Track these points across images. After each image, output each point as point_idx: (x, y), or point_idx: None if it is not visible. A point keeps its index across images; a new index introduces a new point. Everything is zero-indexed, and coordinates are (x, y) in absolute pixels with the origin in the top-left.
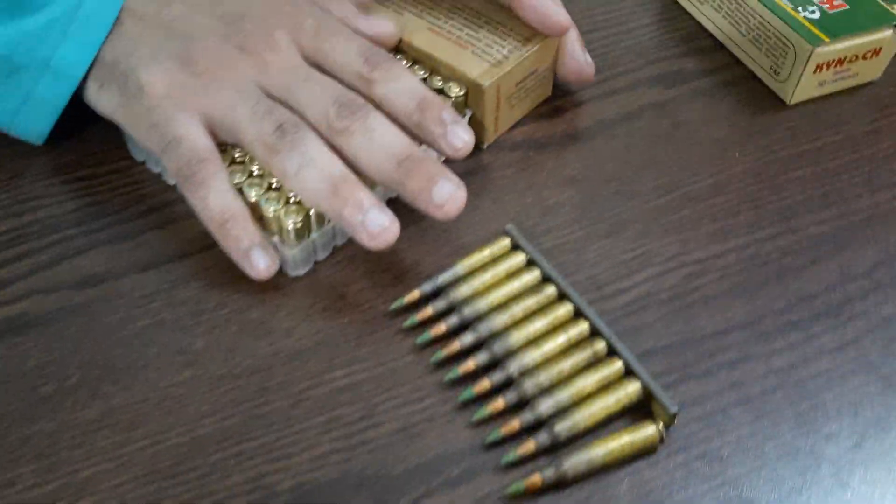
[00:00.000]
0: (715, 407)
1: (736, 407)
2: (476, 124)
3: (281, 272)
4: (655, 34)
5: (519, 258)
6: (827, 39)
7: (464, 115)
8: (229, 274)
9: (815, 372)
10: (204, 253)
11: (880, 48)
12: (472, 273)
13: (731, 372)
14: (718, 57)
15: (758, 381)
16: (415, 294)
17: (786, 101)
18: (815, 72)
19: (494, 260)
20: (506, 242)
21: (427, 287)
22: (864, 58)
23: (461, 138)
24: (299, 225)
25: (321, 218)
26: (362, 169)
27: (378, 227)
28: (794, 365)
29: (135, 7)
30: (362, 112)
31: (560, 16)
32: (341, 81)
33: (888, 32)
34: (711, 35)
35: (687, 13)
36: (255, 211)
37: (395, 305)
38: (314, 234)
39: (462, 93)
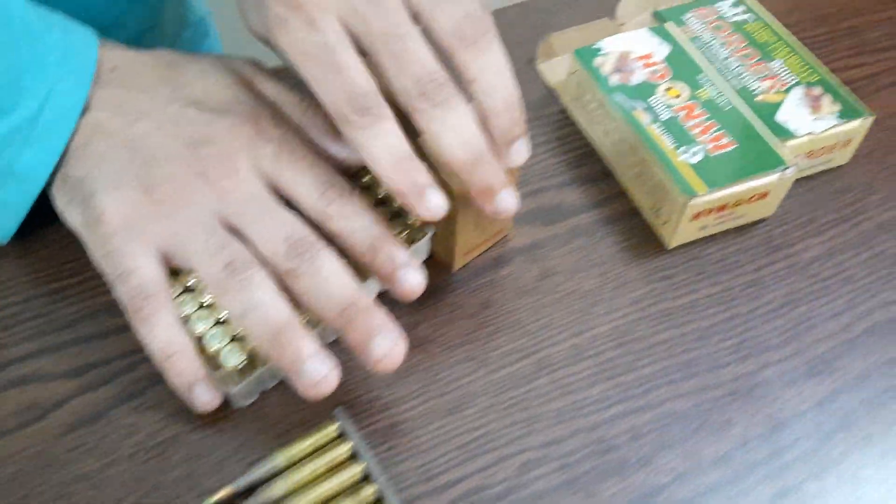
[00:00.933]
0: None
1: None
2: (441, 245)
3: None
4: (545, 156)
5: (343, 449)
6: (703, 191)
7: (424, 235)
8: None
9: None
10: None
11: (767, 192)
12: (291, 465)
13: None
14: (605, 186)
15: None
16: (226, 491)
17: (666, 244)
18: (692, 219)
19: (317, 449)
20: (332, 429)
21: (241, 482)
22: (750, 201)
23: (411, 283)
24: (241, 366)
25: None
26: (307, 310)
27: (315, 378)
28: None
29: (102, 121)
30: (310, 254)
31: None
32: (299, 211)
33: (774, 177)
34: (602, 160)
35: (581, 132)
36: (200, 345)
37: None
38: (258, 371)
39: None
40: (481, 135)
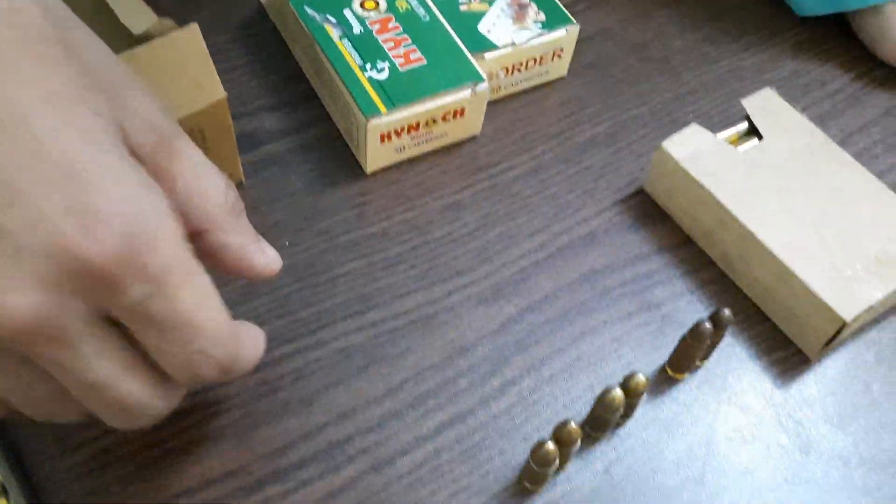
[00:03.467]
0: None
1: None
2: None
3: None
4: (244, 79)
5: None
6: (384, 110)
7: None
8: None
9: None
10: None
11: (462, 109)
12: None
13: None
14: (308, 111)
15: None
16: None
17: (364, 169)
18: (382, 141)
19: None
20: None
21: None
22: (446, 119)
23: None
24: None
25: None
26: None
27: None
28: None
29: None
30: None
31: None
32: None
33: (465, 93)
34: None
35: (289, 51)
36: None
37: None
38: None
39: None
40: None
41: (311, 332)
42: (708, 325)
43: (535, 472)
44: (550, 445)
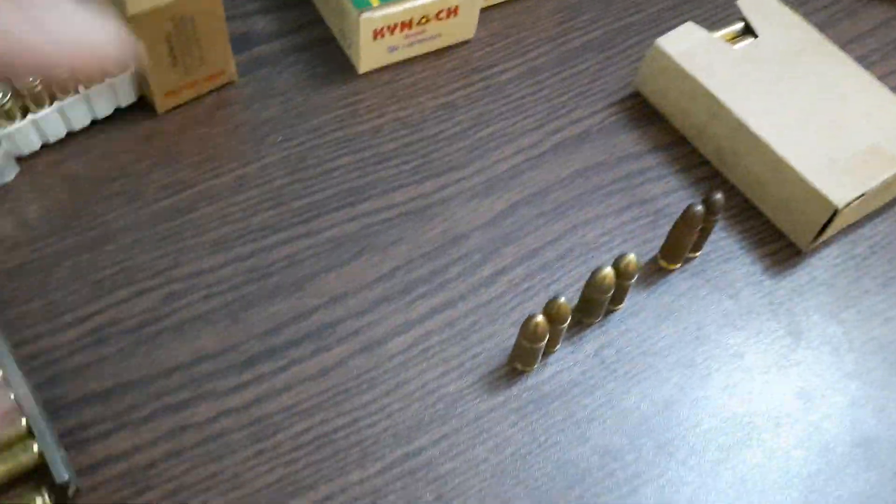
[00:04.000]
0: (143, 461)
1: (165, 461)
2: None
3: None
4: None
5: None
6: (376, 2)
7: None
8: None
9: (276, 408)
10: None
11: (456, 7)
12: None
13: (175, 415)
14: (303, 12)
15: (205, 425)
16: None
17: (357, 69)
18: (374, 38)
19: None
20: None
21: None
22: (439, 18)
23: None
24: None
25: None
26: None
27: None
28: (252, 403)
29: None
30: None
31: None
32: None
33: None
34: None
35: None
36: None
37: None
38: None
39: None
40: None
41: (304, 222)
42: (700, 208)
43: (525, 348)
44: (540, 318)
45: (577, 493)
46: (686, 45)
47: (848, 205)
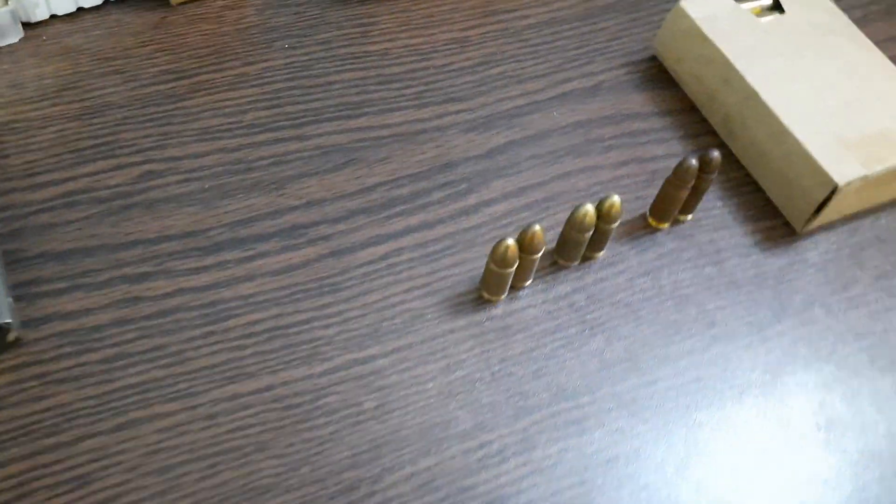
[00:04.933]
0: (90, 323)
1: (113, 327)
2: None
3: None
4: None
5: None
6: None
7: None
8: None
9: (233, 296)
10: None
11: None
12: None
13: (130, 286)
14: None
15: (160, 299)
16: None
17: None
18: None
19: None
20: None
21: None
22: None
23: None
24: None
25: None
26: None
27: None
28: (210, 286)
29: None
30: None
31: None
32: None
33: None
34: None
35: None
36: None
37: None
38: None
39: None
40: None
41: (295, 126)
42: (694, 162)
43: (494, 274)
44: (511, 242)
45: (523, 426)
46: (710, 10)
47: (849, 184)
